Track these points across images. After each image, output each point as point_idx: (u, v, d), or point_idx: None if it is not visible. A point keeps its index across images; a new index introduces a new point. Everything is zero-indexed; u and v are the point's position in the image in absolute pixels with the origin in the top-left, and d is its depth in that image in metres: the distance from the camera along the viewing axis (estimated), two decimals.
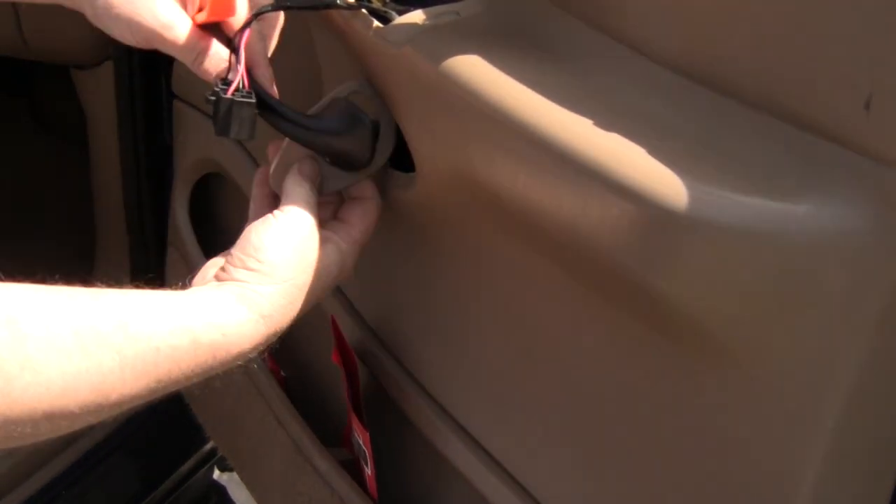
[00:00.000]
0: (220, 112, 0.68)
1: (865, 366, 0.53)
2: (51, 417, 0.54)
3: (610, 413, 0.66)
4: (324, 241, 0.70)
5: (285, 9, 0.71)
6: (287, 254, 0.67)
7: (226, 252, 0.69)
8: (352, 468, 0.91)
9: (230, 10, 0.69)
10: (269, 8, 0.69)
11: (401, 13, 0.70)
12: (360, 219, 0.74)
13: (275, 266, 0.66)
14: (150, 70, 1.22)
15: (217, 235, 1.20)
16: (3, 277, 0.55)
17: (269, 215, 0.68)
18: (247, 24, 0.68)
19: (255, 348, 0.65)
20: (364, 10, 0.71)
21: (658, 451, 0.63)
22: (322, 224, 0.71)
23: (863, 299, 0.52)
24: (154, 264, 1.33)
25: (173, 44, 0.68)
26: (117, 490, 1.38)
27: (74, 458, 1.32)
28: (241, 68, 0.68)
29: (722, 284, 0.54)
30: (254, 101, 0.68)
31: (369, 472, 0.86)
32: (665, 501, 0.63)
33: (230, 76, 0.68)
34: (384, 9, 0.71)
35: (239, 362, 0.65)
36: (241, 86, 0.68)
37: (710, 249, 0.53)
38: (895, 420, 0.56)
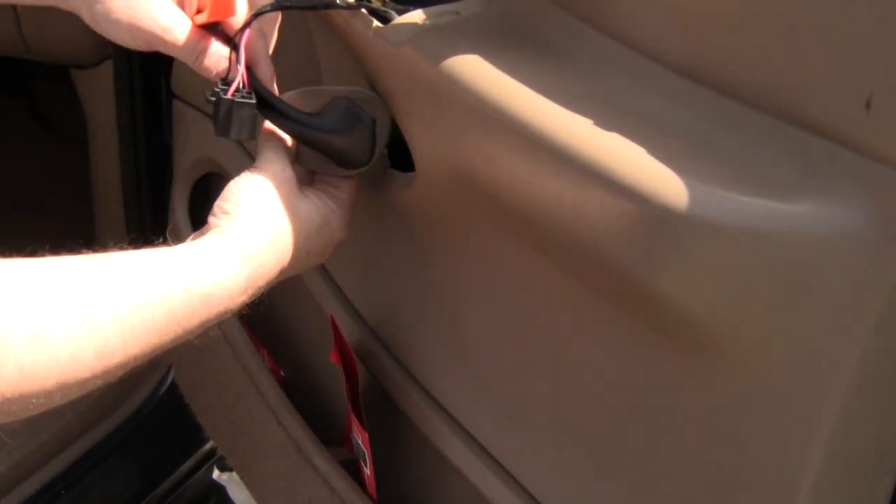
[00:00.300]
0: (221, 112, 0.68)
1: (865, 365, 0.53)
2: (63, 386, 0.56)
3: (609, 412, 0.65)
4: (304, 193, 0.71)
5: (285, 9, 0.71)
6: (260, 196, 0.68)
7: None
8: (352, 468, 0.91)
9: (230, 10, 0.69)
10: (269, 8, 0.69)
11: (400, 13, 0.70)
12: (344, 182, 0.75)
13: (248, 207, 0.67)
14: (149, 70, 1.22)
15: None
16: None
17: (245, 171, 0.70)
18: (247, 24, 0.68)
19: (244, 292, 0.66)
20: (364, 10, 0.71)
21: (658, 449, 0.63)
22: (302, 187, 0.72)
23: (862, 299, 0.52)
24: None
25: (174, 45, 0.69)
26: (117, 490, 1.38)
27: (74, 457, 1.32)
28: (242, 68, 0.68)
29: (721, 284, 0.54)
30: (254, 101, 0.69)
31: (368, 473, 0.86)
32: (665, 500, 0.63)
33: (230, 76, 0.68)
34: (384, 8, 0.71)
35: (234, 309, 0.66)
36: (240, 86, 0.68)
37: (710, 249, 0.53)
38: (894, 420, 0.56)
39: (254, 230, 0.66)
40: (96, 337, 0.56)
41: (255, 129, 0.69)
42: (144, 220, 1.33)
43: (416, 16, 0.69)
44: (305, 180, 0.74)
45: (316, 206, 0.71)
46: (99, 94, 1.29)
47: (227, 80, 0.69)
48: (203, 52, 0.69)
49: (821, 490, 0.55)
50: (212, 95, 0.68)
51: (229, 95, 0.68)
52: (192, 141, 1.19)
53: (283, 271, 0.69)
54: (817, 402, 0.54)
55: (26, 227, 1.56)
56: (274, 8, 0.70)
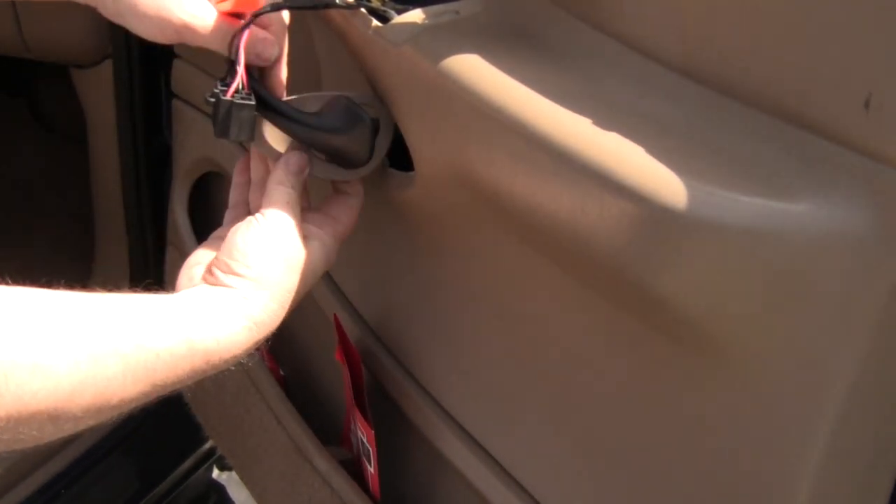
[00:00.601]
0: (220, 113, 0.67)
1: (864, 365, 0.53)
2: (55, 420, 0.55)
3: (609, 413, 0.66)
4: (309, 238, 0.70)
5: (284, 8, 0.71)
6: (274, 259, 0.67)
7: (208, 244, 0.70)
8: (351, 467, 0.91)
9: (256, 2, 0.69)
10: (269, 8, 0.69)
11: (400, 12, 0.70)
12: (346, 214, 0.74)
13: (263, 273, 0.66)
14: (149, 69, 1.22)
15: None
16: (9, 281, 0.56)
17: (252, 218, 0.68)
18: (246, 25, 0.68)
19: (246, 352, 0.66)
20: (363, 10, 0.71)
21: (657, 450, 0.63)
22: (305, 216, 0.71)
23: (861, 298, 0.52)
24: (153, 263, 1.33)
25: (204, 33, 0.68)
26: (117, 489, 1.38)
27: (74, 456, 1.32)
28: (241, 69, 0.68)
29: (721, 284, 0.54)
30: (253, 102, 0.68)
31: (372, 471, 0.86)
32: (664, 500, 0.63)
33: (228, 77, 0.68)
34: (383, 8, 0.71)
35: (232, 363, 0.66)
36: (240, 87, 0.68)
37: (709, 249, 0.53)
38: (894, 419, 0.56)
39: (264, 295, 0.66)
40: (99, 377, 0.56)
41: (254, 131, 0.69)
42: (144, 220, 1.33)
43: (416, 15, 0.69)
44: (309, 213, 0.73)
45: (318, 254, 0.71)
46: (99, 93, 1.29)
47: (225, 81, 0.69)
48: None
49: (821, 490, 0.55)
50: (211, 97, 0.68)
51: (229, 96, 0.68)
52: (192, 140, 1.19)
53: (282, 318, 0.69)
54: (817, 402, 0.54)
55: (25, 226, 1.57)
56: (274, 8, 0.70)
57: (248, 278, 0.66)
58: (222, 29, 0.68)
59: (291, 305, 0.69)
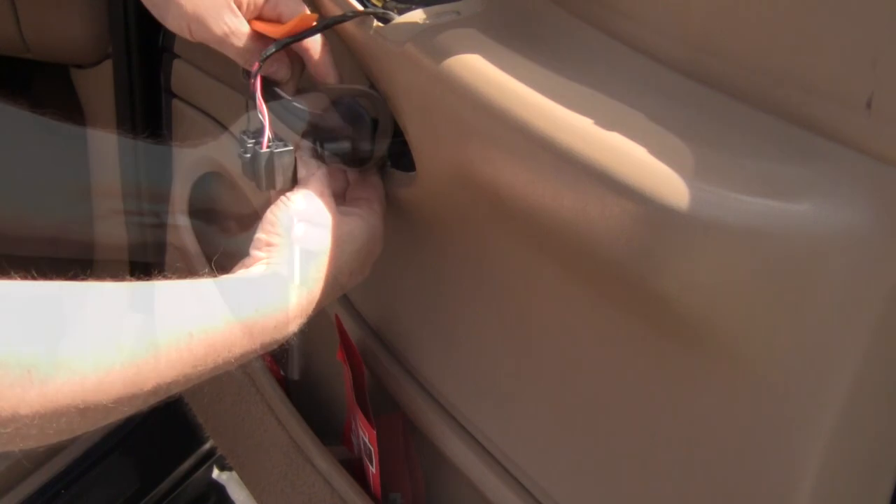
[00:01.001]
0: (262, 166, 0.67)
1: (865, 365, 0.53)
2: (84, 413, 0.54)
3: (610, 412, 0.66)
4: (344, 213, 0.70)
5: (289, 43, 0.71)
6: (304, 223, 0.67)
7: None
8: (351, 467, 0.91)
9: (291, 31, 0.71)
10: (273, 49, 0.70)
11: (401, 12, 0.70)
12: (373, 191, 0.75)
13: (294, 236, 0.66)
14: (149, 69, 1.22)
15: (217, 234, 1.21)
16: (35, 276, 0.55)
17: (283, 197, 0.69)
18: (257, 72, 0.69)
19: (291, 321, 0.65)
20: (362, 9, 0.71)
21: (658, 449, 0.63)
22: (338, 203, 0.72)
23: (863, 298, 0.52)
24: (153, 264, 1.33)
25: (233, 47, 0.70)
26: (116, 489, 1.38)
27: (73, 456, 1.32)
28: (266, 120, 0.68)
29: (722, 283, 0.54)
30: (291, 147, 0.68)
31: (374, 471, 0.86)
32: (665, 499, 0.63)
33: (251, 126, 0.68)
34: (384, 10, 0.71)
35: (280, 340, 0.65)
36: (270, 136, 0.68)
37: (711, 248, 0.53)
38: (895, 419, 0.56)
39: (301, 259, 0.66)
40: (127, 366, 0.55)
41: (297, 175, 0.69)
42: (144, 220, 1.33)
43: (417, 15, 0.69)
44: (339, 196, 0.74)
45: (357, 223, 0.71)
46: (98, 93, 1.29)
47: (248, 133, 0.68)
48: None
49: (821, 490, 0.55)
50: (246, 152, 0.67)
51: (265, 148, 0.67)
52: (192, 140, 1.19)
53: (329, 294, 0.68)
54: (818, 402, 0.54)
55: (26, 227, 1.56)
56: (278, 48, 0.70)
57: (278, 245, 0.66)
58: (251, 50, 0.71)
59: (342, 277, 0.69)
